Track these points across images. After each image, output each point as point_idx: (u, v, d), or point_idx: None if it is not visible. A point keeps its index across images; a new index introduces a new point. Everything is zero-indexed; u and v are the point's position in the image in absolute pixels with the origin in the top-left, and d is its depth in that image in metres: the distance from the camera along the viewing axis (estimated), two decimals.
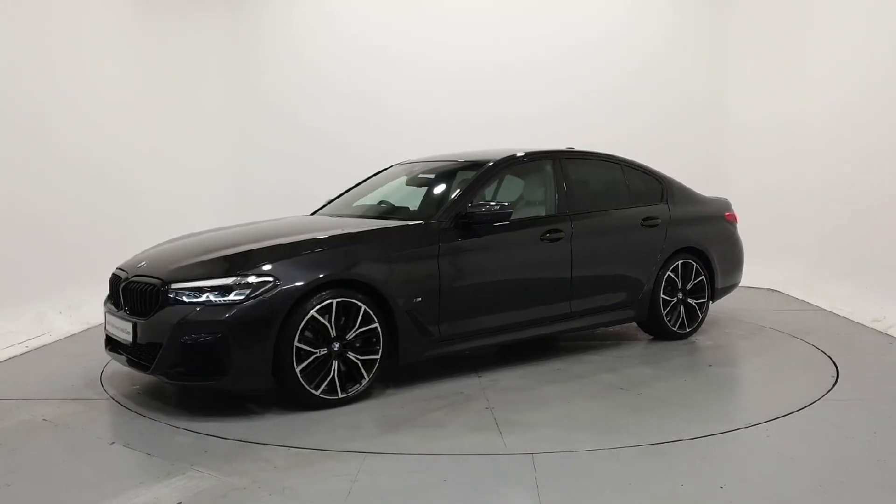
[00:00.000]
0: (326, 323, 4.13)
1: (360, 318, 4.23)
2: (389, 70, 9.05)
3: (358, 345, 4.26)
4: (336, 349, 4.18)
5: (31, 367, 5.25)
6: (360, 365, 4.26)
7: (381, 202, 5.45)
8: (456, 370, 4.99)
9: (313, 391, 4.11)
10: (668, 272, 5.68)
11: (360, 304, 4.22)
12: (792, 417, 3.99)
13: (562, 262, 5.15)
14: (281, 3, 9.26)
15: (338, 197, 5.92)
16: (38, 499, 3.11)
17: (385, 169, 6.12)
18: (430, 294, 4.53)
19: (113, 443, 3.73)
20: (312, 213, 5.71)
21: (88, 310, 6.71)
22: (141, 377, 4.87)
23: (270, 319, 3.97)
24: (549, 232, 5.09)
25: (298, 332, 4.03)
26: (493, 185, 5.33)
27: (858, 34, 7.11)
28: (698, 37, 9.00)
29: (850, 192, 7.15)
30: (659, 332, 5.78)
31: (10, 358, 5.43)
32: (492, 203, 4.78)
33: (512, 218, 4.95)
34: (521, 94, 8.94)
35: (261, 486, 3.17)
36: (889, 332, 5.92)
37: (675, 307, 5.75)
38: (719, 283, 6.03)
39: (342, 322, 4.19)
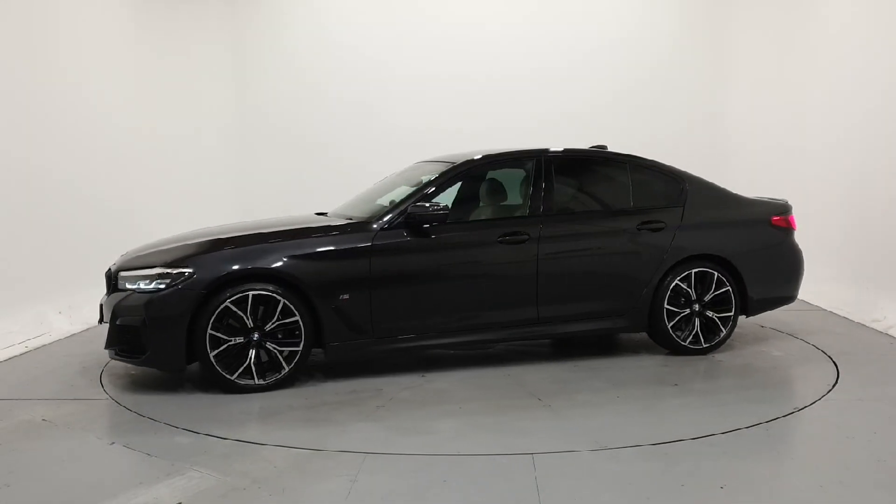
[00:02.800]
0: (242, 314, 4.43)
1: (278, 310, 4.48)
2: (389, 73, 9.03)
3: (280, 336, 4.52)
4: (255, 339, 4.47)
5: (31, 367, 5.25)
6: (279, 355, 4.52)
7: (391, 202, 5.42)
8: (405, 368, 5.03)
9: (228, 376, 4.44)
10: (677, 281, 5.19)
11: (278, 297, 4.47)
12: (792, 417, 3.99)
13: (525, 266, 4.93)
14: (280, 7, 9.26)
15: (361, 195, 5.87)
16: (38, 499, 3.11)
17: (392, 170, 6.08)
18: (360, 292, 4.65)
19: (113, 443, 3.73)
20: (321, 213, 5.67)
21: (88, 310, 6.70)
22: (140, 375, 4.92)
23: (182, 308, 4.38)
24: (508, 234, 4.93)
25: (212, 321, 4.38)
26: (473, 185, 5.27)
27: (862, 40, 7.10)
28: (701, 42, 8.99)
29: (849, 192, 7.14)
30: (668, 345, 5.29)
31: (10, 358, 5.43)
32: (436, 204, 4.77)
33: (469, 219, 5.10)
34: (521, 100, 8.91)
35: (261, 486, 3.17)
36: (889, 332, 5.92)
37: (687, 320, 5.25)
38: (755, 296, 5.38)
39: (263, 313, 4.49)
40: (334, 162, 9.03)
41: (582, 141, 6.24)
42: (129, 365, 5.14)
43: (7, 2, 6.17)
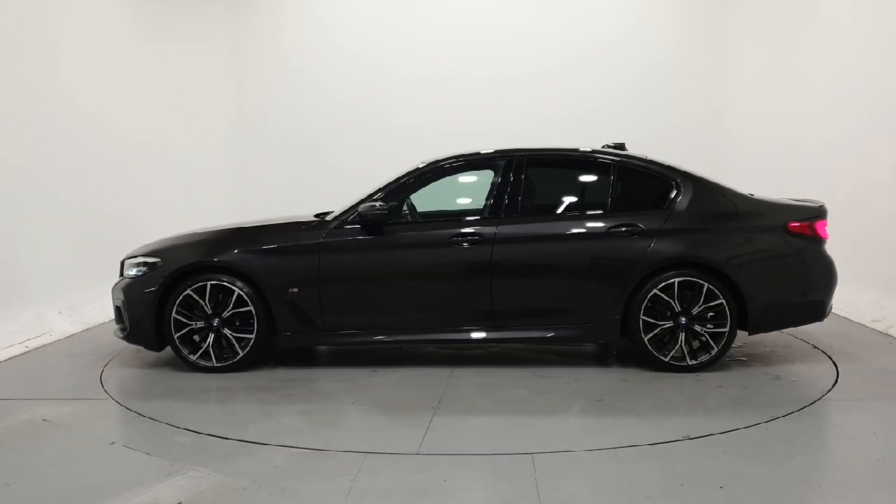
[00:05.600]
0: (201, 301, 4.88)
1: (233, 299, 4.86)
2: (390, 74, 9.06)
3: (238, 323, 4.90)
4: (214, 324, 4.90)
5: (31, 367, 5.26)
6: (234, 341, 4.90)
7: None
8: (369, 362, 5.22)
9: (189, 356, 4.93)
10: (656, 290, 4.77)
11: (233, 287, 4.86)
12: (792, 417, 3.99)
13: (478, 268, 4.82)
14: (281, 9, 9.27)
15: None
16: (38, 499, 3.11)
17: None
18: (309, 286, 4.88)
19: (113, 443, 3.73)
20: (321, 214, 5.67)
21: (88, 310, 6.72)
22: (140, 375, 4.94)
23: (150, 293, 4.91)
24: (461, 235, 4.87)
25: (176, 306, 4.87)
26: (442, 186, 5.27)
27: (861, 38, 7.11)
28: (702, 41, 9.00)
29: (849, 192, 7.14)
30: (650, 361, 4.87)
31: (10, 358, 5.44)
32: (380, 204, 4.88)
33: (430, 219, 5.22)
34: (524, 101, 8.93)
35: (261, 486, 3.17)
36: (889, 332, 5.92)
37: (672, 333, 4.81)
38: (758, 311, 4.80)
39: (225, 302, 4.90)
40: (335, 163, 9.05)
41: (588, 140, 6.21)
42: (129, 366, 5.19)
43: (7, 6, 6.17)
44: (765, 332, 5.03)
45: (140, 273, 5.00)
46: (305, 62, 9.21)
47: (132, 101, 8.12)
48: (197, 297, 4.88)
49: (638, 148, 5.73)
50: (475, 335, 4.94)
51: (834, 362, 5.08)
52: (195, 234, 5.24)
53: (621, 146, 5.52)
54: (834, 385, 4.57)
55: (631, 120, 8.82)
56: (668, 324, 4.82)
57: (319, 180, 8.87)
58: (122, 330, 5.09)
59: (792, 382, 4.70)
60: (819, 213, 5.03)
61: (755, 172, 8.52)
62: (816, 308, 4.98)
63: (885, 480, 3.19)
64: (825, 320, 5.11)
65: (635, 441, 3.63)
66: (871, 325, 6.18)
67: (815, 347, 5.50)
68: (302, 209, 6.41)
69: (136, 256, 5.14)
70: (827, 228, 5.04)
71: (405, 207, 5.40)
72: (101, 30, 7.65)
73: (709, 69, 9.03)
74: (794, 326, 5.22)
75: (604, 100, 8.92)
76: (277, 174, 9.27)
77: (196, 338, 4.96)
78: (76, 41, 7.19)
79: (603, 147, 5.44)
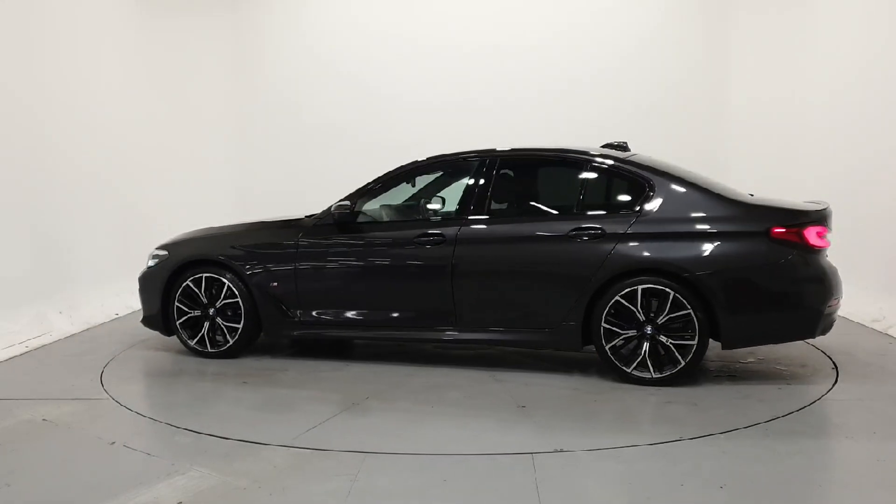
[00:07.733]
0: (198, 292, 5.29)
1: (224, 291, 5.24)
2: (392, 70, 9.04)
3: (229, 313, 5.27)
4: (211, 314, 5.30)
5: (31, 367, 5.26)
6: (226, 330, 5.28)
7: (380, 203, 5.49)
8: (346, 356, 5.45)
9: (189, 341, 5.36)
10: (618, 297, 4.51)
11: (224, 280, 5.23)
12: (792, 417, 3.99)
13: (440, 268, 4.82)
14: (283, 8, 9.26)
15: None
16: (38, 499, 3.11)
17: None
18: (286, 281, 5.18)
19: (113, 443, 3.73)
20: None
21: (88, 310, 6.71)
22: (140, 375, 4.94)
23: (157, 282, 5.40)
24: (425, 235, 4.90)
25: (177, 295, 5.32)
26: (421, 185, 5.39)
27: (861, 22, 7.09)
28: (699, 24, 8.97)
29: (849, 191, 7.14)
30: (613, 371, 4.63)
31: (10, 358, 5.43)
32: (348, 203, 5.08)
33: (406, 219, 5.37)
34: (526, 104, 8.88)
35: (261, 486, 3.18)
36: (889, 332, 5.92)
37: (637, 343, 4.54)
38: (730, 324, 4.41)
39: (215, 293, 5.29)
40: (336, 163, 9.02)
41: (591, 141, 6.18)
42: (130, 366, 5.21)
43: (9, 3, 6.17)
44: (741, 346, 4.66)
45: (153, 264, 5.48)
46: (306, 62, 9.19)
47: (133, 99, 8.12)
48: (195, 288, 5.29)
49: (641, 147, 5.72)
50: (437, 335, 4.96)
51: (834, 362, 5.07)
52: (200, 230, 5.71)
53: (624, 146, 5.47)
54: (834, 385, 4.57)
55: (633, 121, 8.80)
56: (630, 332, 4.54)
57: (319, 181, 8.84)
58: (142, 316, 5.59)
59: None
60: (812, 218, 4.47)
61: (756, 173, 8.51)
62: (804, 323, 4.50)
63: (885, 480, 3.19)
64: (827, 334, 4.69)
65: (491, 449, 3.57)
66: (870, 326, 6.18)
67: (815, 347, 5.49)
68: (303, 209, 6.42)
69: (154, 249, 5.59)
70: (825, 236, 4.53)
71: (420, 206, 5.44)
72: (102, 21, 7.65)
73: (711, 71, 9.00)
74: (778, 342, 4.85)
75: (605, 102, 8.87)
76: (278, 173, 9.24)
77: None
78: (77, 34, 7.19)
79: (603, 146, 5.38)
